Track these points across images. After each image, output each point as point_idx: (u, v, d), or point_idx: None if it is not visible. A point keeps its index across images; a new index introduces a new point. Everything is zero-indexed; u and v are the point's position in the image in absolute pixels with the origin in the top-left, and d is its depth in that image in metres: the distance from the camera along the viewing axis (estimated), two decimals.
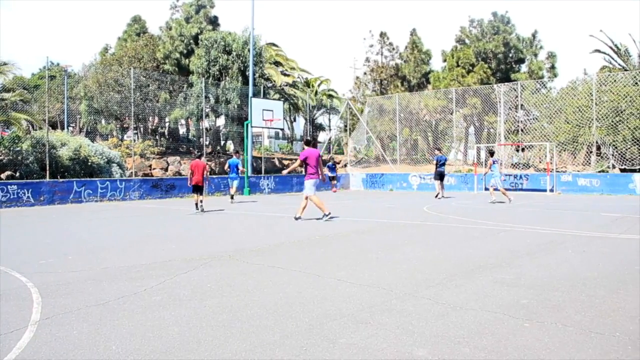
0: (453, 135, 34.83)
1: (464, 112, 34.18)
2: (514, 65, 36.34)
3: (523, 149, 31.78)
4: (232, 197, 20.51)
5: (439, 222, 12.50)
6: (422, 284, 5.80)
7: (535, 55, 36.00)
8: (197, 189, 16.13)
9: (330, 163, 28.94)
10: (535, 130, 30.30)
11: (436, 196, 22.17)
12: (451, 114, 33.58)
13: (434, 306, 4.91)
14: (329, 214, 12.91)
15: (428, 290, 5.51)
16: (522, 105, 30.45)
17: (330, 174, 27.67)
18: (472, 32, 37.49)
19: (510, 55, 35.82)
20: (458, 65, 36.47)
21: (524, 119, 31.56)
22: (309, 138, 14.38)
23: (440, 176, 22.43)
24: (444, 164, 22.73)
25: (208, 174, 17.32)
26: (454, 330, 4.19)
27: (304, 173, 13.32)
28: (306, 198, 13.19)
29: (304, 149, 13.77)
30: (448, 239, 9.64)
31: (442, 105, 34.24)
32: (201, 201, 16.21)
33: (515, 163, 30.51)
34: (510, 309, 4.79)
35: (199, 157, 18.51)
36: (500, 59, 35.49)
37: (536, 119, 31.44)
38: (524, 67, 36.57)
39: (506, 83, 31.31)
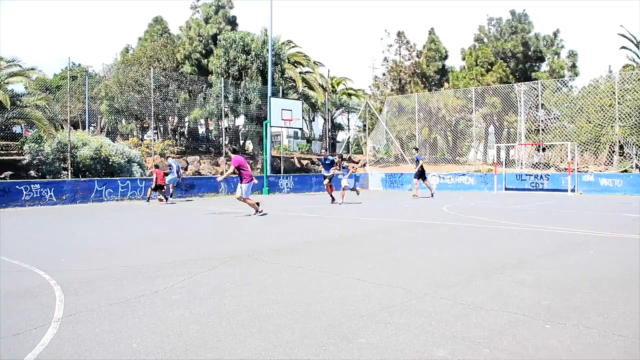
0: (472, 134, 34.64)
1: (484, 112, 33.94)
2: (533, 64, 35.99)
3: (544, 149, 31.45)
4: None
5: (458, 222, 12.44)
6: (441, 284, 5.78)
7: (557, 54, 35.62)
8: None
9: (324, 158, 20.24)
10: (556, 129, 29.98)
11: (414, 195, 22.33)
12: (470, 113, 33.40)
13: (453, 307, 4.89)
14: (260, 211, 14.26)
15: (447, 291, 5.48)
16: (542, 104, 30.16)
17: (325, 173, 19.55)
18: (491, 31, 37.22)
19: (530, 54, 35.48)
20: (477, 64, 36.22)
21: (545, 119, 31.23)
22: (234, 147, 15.46)
23: (420, 175, 22.50)
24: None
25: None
26: (473, 331, 4.17)
27: (239, 178, 14.35)
28: (242, 199, 14.33)
29: (231, 157, 15.02)
30: (467, 239, 9.58)
31: (462, 104, 34.03)
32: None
33: (536, 163, 30.20)
34: (530, 310, 4.75)
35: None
36: (519, 58, 35.16)
37: (557, 118, 31.10)
38: (544, 66, 36.21)
39: (526, 82, 31.03)
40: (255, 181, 14.59)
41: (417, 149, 24.43)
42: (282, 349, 3.81)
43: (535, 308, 4.81)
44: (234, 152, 15.06)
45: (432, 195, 22.33)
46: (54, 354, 3.79)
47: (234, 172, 14.45)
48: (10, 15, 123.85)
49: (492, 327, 4.28)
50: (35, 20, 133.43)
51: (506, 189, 26.32)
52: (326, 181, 19.53)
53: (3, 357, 3.73)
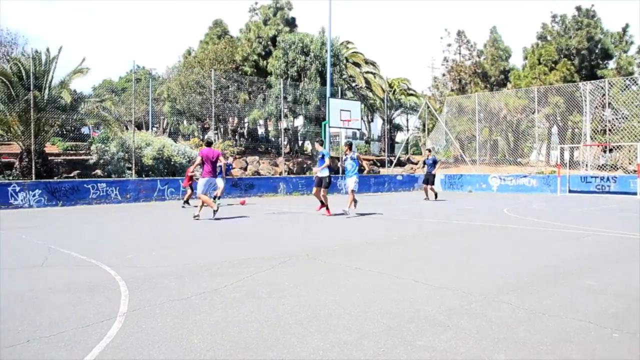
0: (535, 135, 33.74)
1: (547, 112, 32.99)
2: (600, 62, 34.73)
3: (611, 150, 30.33)
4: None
5: (519, 224, 12.14)
6: (503, 288, 5.65)
7: (625, 51, 34.27)
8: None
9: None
10: (625, 129, 28.85)
11: (432, 198, 21.46)
12: (533, 113, 32.54)
13: (515, 311, 4.78)
14: (197, 216, 13.52)
15: (509, 295, 5.36)
16: (609, 103, 29.07)
17: (320, 173, 14.81)
18: (555, 28, 36.15)
19: (596, 51, 34.25)
20: (539, 63, 35.26)
21: (612, 118, 30.09)
22: (209, 140, 14.70)
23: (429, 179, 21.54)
24: (433, 165, 21.64)
25: None
26: (536, 337, 4.06)
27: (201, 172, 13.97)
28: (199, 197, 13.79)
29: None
30: (529, 242, 9.34)
31: (523, 104, 33.22)
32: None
33: (602, 165, 29.16)
34: (597, 317, 4.59)
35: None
36: (585, 55, 34.00)
37: (625, 117, 29.91)
38: (611, 64, 34.90)
39: (592, 81, 29.97)
40: (213, 177, 13.94)
41: (430, 150, 23.58)
42: (340, 349, 3.81)
43: (602, 315, 4.65)
44: (208, 144, 14.43)
45: (426, 199, 21.45)
46: (119, 346, 3.92)
47: (200, 164, 13.88)
48: (82, 21, 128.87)
49: (556, 333, 4.16)
50: (103, 26, 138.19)
51: (570, 191, 25.52)
52: (315, 190, 14.87)
53: (74, 348, 3.89)
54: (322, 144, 15.78)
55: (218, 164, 15.94)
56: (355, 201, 14.63)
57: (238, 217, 14.49)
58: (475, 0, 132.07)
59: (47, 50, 22.27)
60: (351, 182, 14.82)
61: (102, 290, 5.67)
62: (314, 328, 4.32)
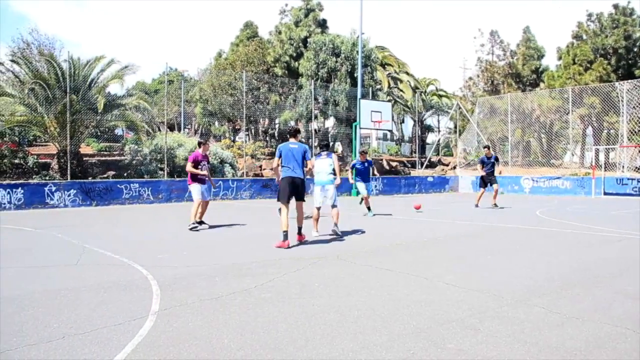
0: (569, 136, 33.18)
1: (581, 112, 32.40)
2: (638, 60, 33.96)
3: None
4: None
5: (552, 227, 11.94)
6: (535, 292, 5.57)
7: None
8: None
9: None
10: None
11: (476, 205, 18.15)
12: (567, 114, 32.00)
13: (548, 315, 4.70)
14: (195, 224, 11.64)
15: (541, 299, 5.28)
16: None
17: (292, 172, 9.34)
18: (590, 27, 35.47)
19: (634, 49, 33.51)
20: (574, 63, 34.68)
21: None
22: (200, 140, 13.09)
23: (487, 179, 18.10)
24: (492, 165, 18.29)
25: None
26: (570, 342, 3.99)
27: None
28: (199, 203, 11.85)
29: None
30: (562, 245, 9.18)
31: (557, 105, 32.69)
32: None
33: None
34: (634, 322, 4.48)
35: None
36: (622, 54, 33.29)
37: None
38: None
39: (629, 80, 29.31)
40: (213, 186, 12.73)
41: (488, 147, 19.40)
42: (369, 351, 3.80)
43: (638, 321, 4.54)
44: (199, 145, 12.66)
45: (477, 205, 18.13)
46: (150, 345, 3.97)
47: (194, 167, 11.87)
48: (116, 24, 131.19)
49: (590, 338, 4.08)
50: (137, 29, 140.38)
51: (605, 193, 25.01)
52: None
53: (107, 345, 3.96)
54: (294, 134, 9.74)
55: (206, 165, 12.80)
56: (316, 220, 10.73)
57: (267, 218, 14.55)
58: (509, 0, 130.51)
59: (84, 59, 22.79)
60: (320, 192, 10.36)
61: (134, 289, 5.76)
62: (344, 329, 4.32)
